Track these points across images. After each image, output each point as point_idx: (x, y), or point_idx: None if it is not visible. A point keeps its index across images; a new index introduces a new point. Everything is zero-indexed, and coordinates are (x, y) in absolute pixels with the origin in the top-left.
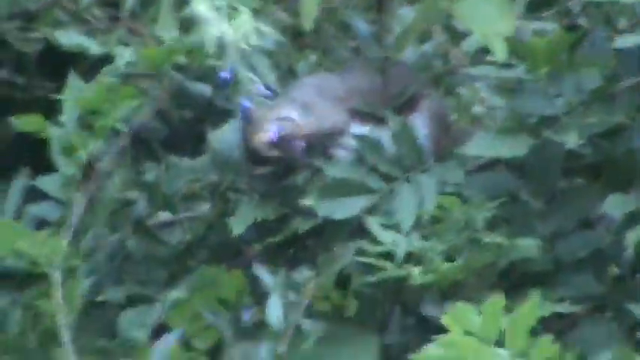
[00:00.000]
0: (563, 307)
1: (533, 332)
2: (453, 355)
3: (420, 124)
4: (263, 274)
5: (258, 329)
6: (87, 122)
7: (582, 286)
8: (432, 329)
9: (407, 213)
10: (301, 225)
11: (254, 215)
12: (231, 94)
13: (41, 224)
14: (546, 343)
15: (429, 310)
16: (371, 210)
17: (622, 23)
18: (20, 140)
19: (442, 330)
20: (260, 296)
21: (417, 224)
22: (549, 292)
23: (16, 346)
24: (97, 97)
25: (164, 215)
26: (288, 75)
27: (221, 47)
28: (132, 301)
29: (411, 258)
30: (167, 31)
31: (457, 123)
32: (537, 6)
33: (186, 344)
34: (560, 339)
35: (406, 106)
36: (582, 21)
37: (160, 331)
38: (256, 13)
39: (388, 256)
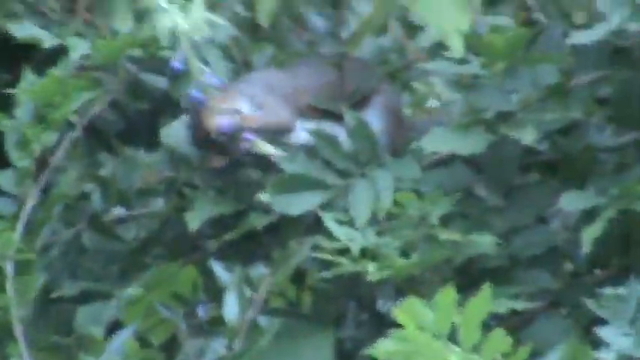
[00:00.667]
0: (519, 304)
1: (488, 328)
2: (407, 350)
3: (375, 119)
4: (219, 270)
5: (214, 325)
6: (41, 115)
7: (538, 281)
8: (387, 324)
9: (362, 208)
10: (257, 221)
11: (210, 210)
12: (182, 84)
13: None
14: (499, 337)
15: (384, 305)
16: (326, 205)
17: (578, 18)
18: None
19: (397, 325)
20: (215, 292)
21: (373, 220)
22: (505, 289)
23: None
24: (50, 89)
25: (119, 210)
26: (243, 68)
27: (174, 38)
28: (87, 297)
29: (366, 254)
30: (123, 23)
31: (412, 117)
32: (494, 1)
33: (140, 340)
34: (515, 335)
35: (361, 101)
36: (539, 16)
37: (115, 327)
38: (211, 5)
39: (344, 251)
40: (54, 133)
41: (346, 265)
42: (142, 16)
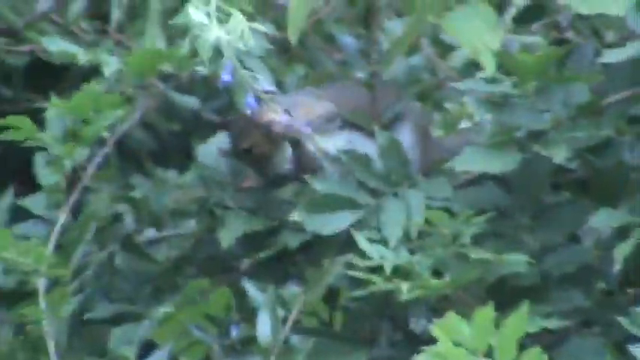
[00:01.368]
0: (552, 323)
1: (522, 346)
2: None
3: (407, 138)
4: (252, 289)
5: (247, 345)
6: (72, 131)
7: (570, 300)
8: (420, 343)
9: (394, 227)
10: (290, 240)
11: (242, 228)
12: (239, 94)
13: None
14: (536, 354)
15: (417, 324)
16: (359, 224)
17: (610, 37)
18: (7, 155)
19: (430, 344)
20: (248, 312)
21: (405, 239)
22: (537, 307)
23: None
24: (84, 105)
25: (151, 231)
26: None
27: (216, 53)
28: (120, 318)
29: (399, 272)
30: (153, 42)
31: (443, 137)
32: (525, 19)
33: None
34: (548, 354)
35: (392, 120)
36: (570, 35)
37: (147, 348)
38: (248, 17)
39: (376, 270)
40: (85, 150)
41: (379, 284)
42: (177, 34)
